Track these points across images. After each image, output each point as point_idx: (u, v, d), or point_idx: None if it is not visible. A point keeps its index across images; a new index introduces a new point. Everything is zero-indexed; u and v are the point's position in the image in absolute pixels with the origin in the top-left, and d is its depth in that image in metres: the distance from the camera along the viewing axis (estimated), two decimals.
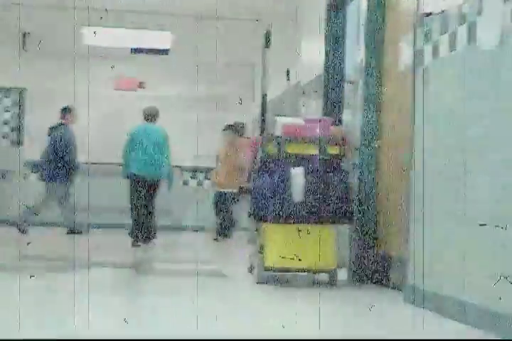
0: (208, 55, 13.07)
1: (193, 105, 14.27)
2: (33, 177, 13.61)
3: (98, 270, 6.51)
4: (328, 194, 5.43)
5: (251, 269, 6.44)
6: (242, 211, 10.08)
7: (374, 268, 6.02)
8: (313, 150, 5.50)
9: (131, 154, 9.35)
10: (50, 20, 12.14)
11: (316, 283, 5.94)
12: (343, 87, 7.51)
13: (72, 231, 10.51)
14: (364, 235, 6.07)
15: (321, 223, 5.51)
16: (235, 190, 10.26)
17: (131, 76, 14.32)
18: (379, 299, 5.26)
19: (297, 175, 5.41)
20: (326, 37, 7.57)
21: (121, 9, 11.69)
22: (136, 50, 13.67)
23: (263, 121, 5.79)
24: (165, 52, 13.80)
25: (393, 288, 5.63)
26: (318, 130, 5.54)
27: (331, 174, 5.49)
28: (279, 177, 5.45)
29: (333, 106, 7.44)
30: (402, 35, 5.75)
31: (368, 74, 6.20)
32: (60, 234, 10.55)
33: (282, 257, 5.63)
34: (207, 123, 13.62)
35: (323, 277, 5.94)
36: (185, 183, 14.03)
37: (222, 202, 10.44)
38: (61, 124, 10.83)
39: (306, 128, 5.58)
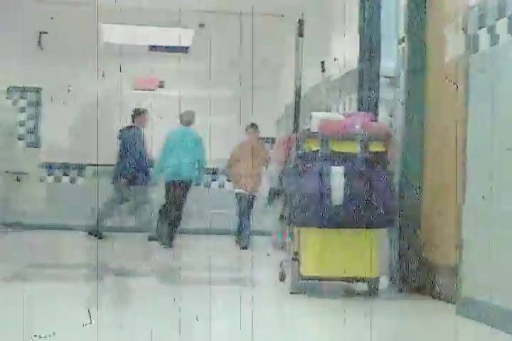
0: (231, 53, 12.62)
1: (213, 106, 13.80)
2: (50, 179, 13.26)
3: (121, 279, 6.07)
4: (371, 195, 4.95)
5: (282, 277, 5.98)
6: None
7: (417, 276, 5.54)
8: (355, 148, 5.02)
9: (165, 158, 9.57)
10: (67, 18, 11.76)
11: (355, 293, 5.47)
12: (378, 82, 7.04)
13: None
14: (406, 240, 5.59)
15: (363, 227, 5.03)
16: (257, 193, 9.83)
17: (151, 75, 13.85)
18: (428, 311, 4.79)
19: (338, 175, 4.94)
20: (359, 28, 7.10)
21: (141, 6, 11.30)
22: (155, 48, 13.26)
23: (296, 117, 5.33)
24: (185, 49, 13.39)
25: (439, 298, 5.15)
26: (358, 126, 5.06)
27: (374, 174, 5.01)
28: (317, 178, 4.98)
29: (368, 101, 6.96)
30: (448, 21, 5.28)
31: (410, 66, 5.72)
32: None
33: (320, 265, 5.16)
34: (230, 125, 13.15)
35: (362, 286, 5.47)
36: (207, 185, 13.58)
37: (249, 206, 9.89)
38: (131, 127, 10.54)
39: (346, 123, 5.11)
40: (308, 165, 5.07)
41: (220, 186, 13.50)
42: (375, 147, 5.09)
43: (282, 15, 10.68)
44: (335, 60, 6.57)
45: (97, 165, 12.46)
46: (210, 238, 11.54)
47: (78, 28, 12.11)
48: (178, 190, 9.43)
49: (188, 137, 9.64)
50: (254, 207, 9.87)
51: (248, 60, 13.06)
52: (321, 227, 5.01)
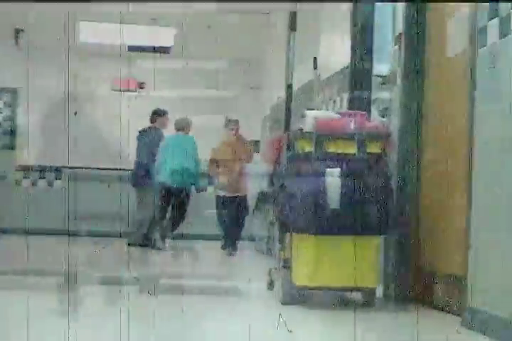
0: (213, 52, 12.28)
1: (197, 107, 13.46)
2: (26, 183, 12.89)
3: (97, 288, 5.70)
4: (371, 200, 4.63)
5: (271, 286, 5.65)
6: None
7: (414, 285, 5.23)
8: (351, 149, 4.70)
9: (162, 164, 9.54)
10: (45, 16, 11.37)
11: (350, 304, 5.14)
12: (370, 81, 6.74)
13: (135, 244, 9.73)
14: (403, 247, 5.28)
15: (362, 234, 4.70)
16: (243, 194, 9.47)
17: (131, 76, 13.49)
18: (429, 323, 4.46)
19: (333, 178, 4.61)
20: (351, 25, 6.81)
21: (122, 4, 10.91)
22: (135, 48, 12.87)
23: (288, 115, 5.00)
24: (166, 50, 13.02)
25: (440, 309, 4.84)
26: (355, 125, 4.74)
27: (373, 176, 4.69)
28: (311, 181, 4.65)
29: (359, 101, 6.66)
30: (451, 14, 4.98)
31: (407, 63, 5.42)
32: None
33: (314, 273, 4.83)
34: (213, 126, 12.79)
35: (357, 295, 5.15)
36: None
37: (237, 209, 9.47)
38: (151, 128, 10.28)
39: (342, 122, 4.79)
40: (302, 167, 4.74)
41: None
42: (373, 148, 4.77)
43: (268, 13, 10.36)
44: (315, 61, 6.26)
45: (73, 167, 12.16)
46: (199, 243, 11.20)
47: (56, 26, 11.72)
48: (181, 197, 9.50)
49: (185, 144, 9.66)
50: (247, 210, 9.51)
51: (233, 60, 12.79)
52: (316, 234, 4.68)
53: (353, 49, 6.82)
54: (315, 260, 4.80)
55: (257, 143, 11.13)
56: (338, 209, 4.62)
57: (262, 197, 8.81)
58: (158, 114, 10.33)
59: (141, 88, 13.63)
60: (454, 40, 4.93)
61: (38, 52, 12.50)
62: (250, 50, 11.92)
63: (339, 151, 4.71)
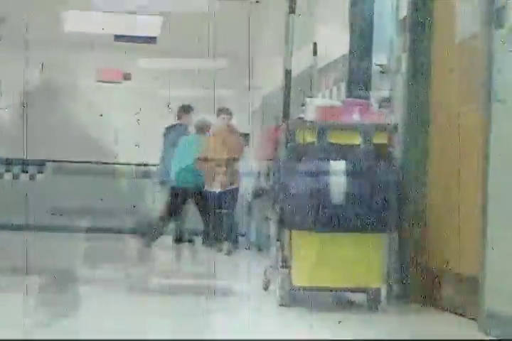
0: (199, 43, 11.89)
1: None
2: (8, 176, 12.54)
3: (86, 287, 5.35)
4: (377, 194, 4.30)
5: (266, 286, 5.33)
6: None
7: (421, 285, 4.92)
8: (356, 139, 4.37)
9: (174, 163, 9.39)
10: (28, 4, 10.99)
11: (351, 305, 4.83)
12: (370, 70, 6.42)
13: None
14: (409, 245, 4.96)
15: (368, 231, 4.37)
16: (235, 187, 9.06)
17: (116, 66, 13.11)
18: (443, 326, 4.16)
19: (337, 171, 4.28)
20: (349, 10, 6.50)
21: None
22: (121, 38, 12.50)
23: (286, 103, 4.66)
24: (152, 40, 12.66)
25: (449, 310, 4.53)
26: (360, 114, 4.41)
27: (380, 169, 4.36)
28: (313, 174, 4.32)
29: (358, 91, 6.33)
30: None
31: (412, 49, 5.11)
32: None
33: (315, 273, 4.50)
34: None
35: (358, 296, 4.83)
36: None
37: (228, 203, 9.02)
38: (178, 124, 10.07)
39: (346, 111, 4.46)
40: (303, 160, 4.41)
41: None
42: (379, 138, 4.44)
43: (257, 1, 10.01)
44: (315, 46, 5.93)
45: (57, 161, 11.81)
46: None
47: (39, 14, 11.34)
48: (199, 197, 9.22)
49: (197, 144, 9.32)
50: (235, 204, 9.08)
51: (219, 51, 12.41)
52: (317, 231, 4.35)
53: (352, 36, 6.53)
54: (316, 259, 4.47)
55: (246, 136, 10.78)
56: (342, 204, 4.30)
57: (258, 193, 8.45)
58: (184, 111, 10.11)
59: (127, 79, 13.26)
60: (464, 23, 4.61)
61: (21, 43, 12.10)
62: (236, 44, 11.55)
63: (343, 142, 4.37)
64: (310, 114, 4.44)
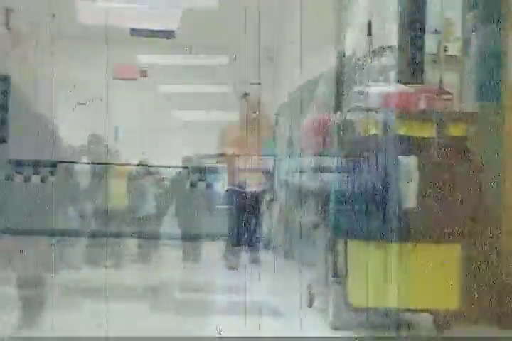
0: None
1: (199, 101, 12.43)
2: (19, 178, 11.88)
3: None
4: (453, 197, 3.57)
5: (310, 303, 4.63)
6: None
7: (496, 304, 4.19)
8: (430, 131, 3.64)
9: None
10: None
11: (416, 328, 4.11)
12: (422, 60, 5.69)
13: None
14: (483, 258, 4.23)
15: (444, 240, 3.64)
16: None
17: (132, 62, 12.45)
18: None
19: (408, 168, 3.56)
20: None
21: None
22: (137, 32, 11.82)
23: (340, 90, 3.96)
24: (170, 34, 11.97)
25: None
26: (434, 101, 3.70)
27: (456, 167, 3.64)
28: (378, 172, 3.60)
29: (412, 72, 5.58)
30: None
31: (481, 37, 4.41)
32: None
33: (377, 291, 3.77)
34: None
35: (418, 317, 4.11)
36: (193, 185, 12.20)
37: (253, 207, 8.03)
38: None
39: (417, 97, 3.74)
40: (365, 155, 3.69)
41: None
42: (456, 130, 3.71)
43: None
44: (369, 25, 5.21)
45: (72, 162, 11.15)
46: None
47: (52, 5, 10.69)
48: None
49: None
50: (260, 208, 8.13)
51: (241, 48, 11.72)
52: (382, 240, 3.62)
53: (402, 20, 5.81)
54: (379, 274, 3.73)
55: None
56: (413, 208, 3.57)
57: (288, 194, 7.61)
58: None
59: (144, 76, 12.59)
60: None
61: (31, 35, 11.46)
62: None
63: (414, 134, 3.65)
64: (372, 101, 3.72)
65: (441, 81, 4.86)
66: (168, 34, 11.95)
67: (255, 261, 7.70)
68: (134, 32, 11.74)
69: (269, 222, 9.19)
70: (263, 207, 8.20)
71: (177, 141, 11.86)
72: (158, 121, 11.30)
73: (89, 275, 6.62)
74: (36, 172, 10.45)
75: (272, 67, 10.30)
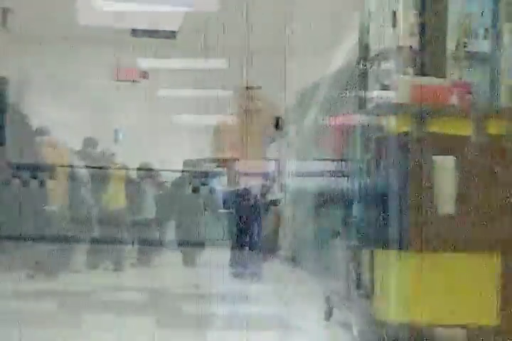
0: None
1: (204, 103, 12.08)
2: (16, 182, 11.54)
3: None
4: (497, 201, 3.22)
5: (328, 316, 4.29)
6: None
7: None
8: (467, 129, 3.29)
9: None
10: None
11: None
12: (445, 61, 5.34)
13: None
14: None
15: (483, 250, 3.29)
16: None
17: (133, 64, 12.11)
18: None
19: (444, 170, 3.21)
20: None
21: None
22: (138, 32, 11.48)
23: (363, 85, 3.62)
24: (171, 35, 11.63)
25: None
26: (471, 96, 3.35)
27: (498, 168, 3.29)
28: (408, 174, 3.25)
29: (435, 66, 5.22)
30: None
31: None
32: None
33: (411, 306, 3.42)
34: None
35: (450, 333, 3.75)
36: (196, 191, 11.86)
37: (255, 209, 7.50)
38: None
39: (453, 91, 3.40)
40: (393, 155, 3.34)
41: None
42: (496, 128, 3.36)
43: None
44: (394, 14, 4.84)
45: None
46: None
47: (50, 5, 10.35)
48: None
49: None
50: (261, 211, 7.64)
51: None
52: (417, 250, 3.27)
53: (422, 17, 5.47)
54: (410, 286, 3.38)
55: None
56: (452, 214, 3.22)
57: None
58: None
59: (145, 78, 12.26)
60: None
61: (30, 37, 11.11)
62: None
63: (449, 132, 3.30)
64: (401, 95, 3.37)
65: (460, 79, 4.55)
66: (170, 35, 11.65)
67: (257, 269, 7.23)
68: (135, 33, 11.44)
69: (271, 227, 8.85)
70: (265, 211, 7.77)
71: (177, 143, 11.57)
72: (158, 124, 11.02)
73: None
74: (34, 176, 10.12)
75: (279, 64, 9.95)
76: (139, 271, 8.01)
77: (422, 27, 5.31)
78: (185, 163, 10.68)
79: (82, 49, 11.37)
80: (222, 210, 8.72)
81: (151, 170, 10.79)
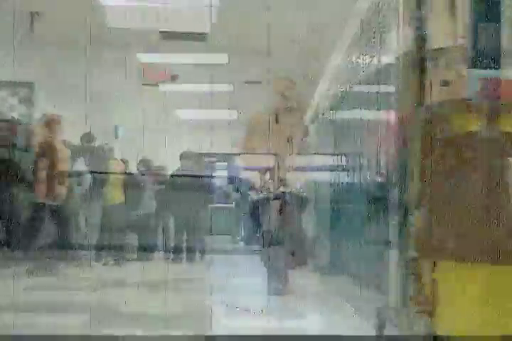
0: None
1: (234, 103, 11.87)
2: None
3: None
4: None
5: (380, 331, 3.96)
6: None
7: None
8: None
9: None
10: None
11: None
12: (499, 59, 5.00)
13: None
14: None
15: None
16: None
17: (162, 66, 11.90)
18: None
19: None
20: None
21: None
22: (167, 35, 11.24)
23: (420, 82, 3.31)
24: (202, 37, 11.36)
25: None
26: None
27: None
28: (480, 178, 2.93)
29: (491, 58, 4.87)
30: None
31: None
32: None
33: (476, 320, 3.10)
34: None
35: None
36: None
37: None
38: None
39: None
40: (462, 156, 3.03)
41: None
42: None
43: None
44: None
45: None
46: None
47: (77, 8, 10.12)
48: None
49: None
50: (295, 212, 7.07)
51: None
52: (490, 262, 2.95)
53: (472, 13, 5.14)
54: (480, 303, 3.06)
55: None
56: None
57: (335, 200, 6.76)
58: None
59: (173, 80, 12.07)
60: None
61: (57, 41, 10.88)
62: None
63: None
64: (470, 91, 3.06)
65: None
66: (201, 37, 11.40)
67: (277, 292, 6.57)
68: (165, 35, 11.19)
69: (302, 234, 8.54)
70: (298, 212, 7.31)
71: (179, 139, 11.42)
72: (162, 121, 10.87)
73: None
74: None
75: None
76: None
77: (476, 21, 5.01)
78: (182, 156, 10.33)
79: (109, 52, 11.17)
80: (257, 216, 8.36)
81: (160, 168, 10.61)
